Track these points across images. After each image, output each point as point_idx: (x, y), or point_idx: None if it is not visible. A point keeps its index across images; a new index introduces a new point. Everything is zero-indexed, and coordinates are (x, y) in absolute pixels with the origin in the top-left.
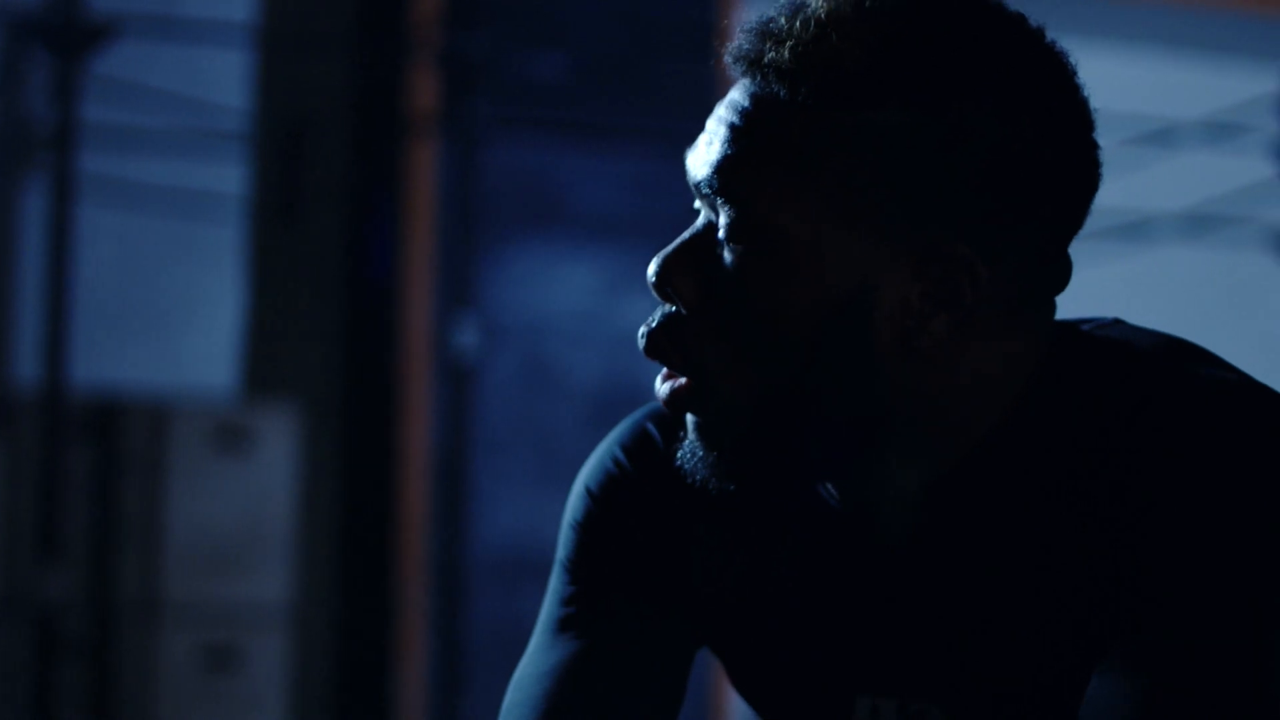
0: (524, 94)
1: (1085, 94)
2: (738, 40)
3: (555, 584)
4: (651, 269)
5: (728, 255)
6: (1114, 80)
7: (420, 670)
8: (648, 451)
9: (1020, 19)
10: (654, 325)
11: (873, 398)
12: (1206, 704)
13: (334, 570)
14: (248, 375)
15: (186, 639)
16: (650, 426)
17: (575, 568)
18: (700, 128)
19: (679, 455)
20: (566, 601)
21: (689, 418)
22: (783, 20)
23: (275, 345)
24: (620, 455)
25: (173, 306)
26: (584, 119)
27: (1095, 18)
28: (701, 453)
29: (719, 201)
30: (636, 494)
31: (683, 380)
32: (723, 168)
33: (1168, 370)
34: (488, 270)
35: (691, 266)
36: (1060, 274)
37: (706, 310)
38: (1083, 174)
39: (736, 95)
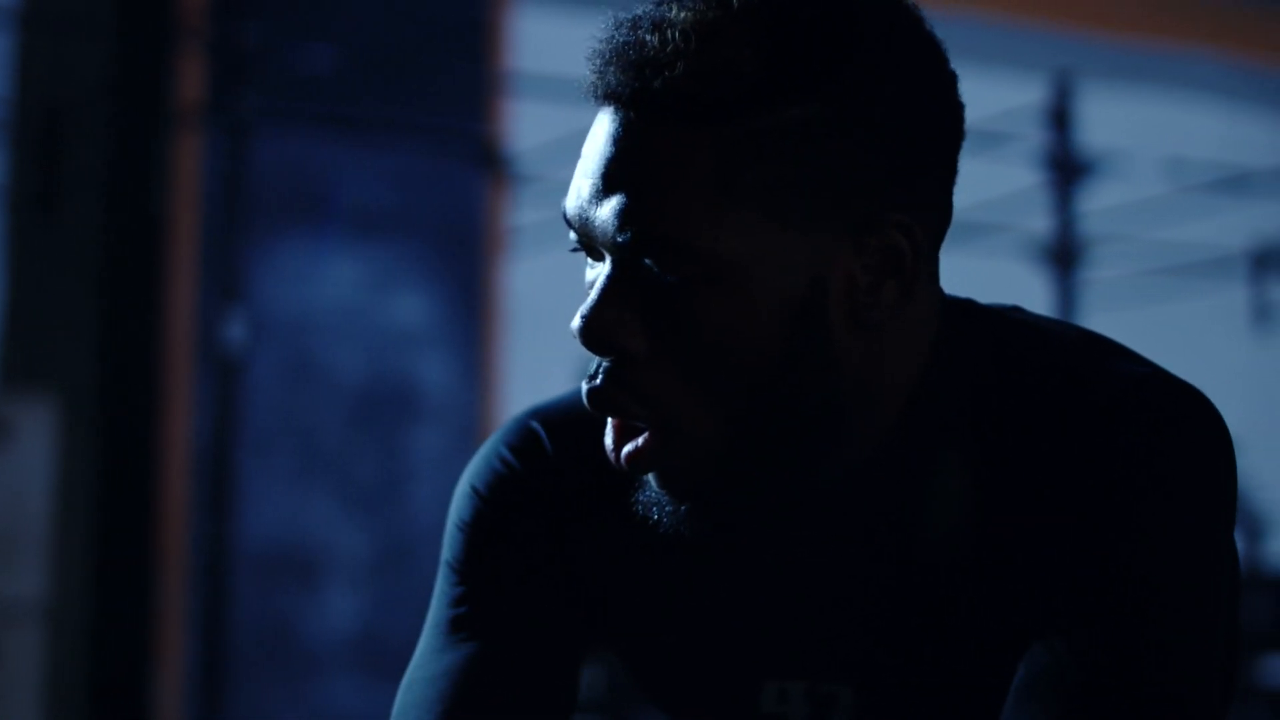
0: (292, 87)
1: (941, 44)
2: (603, 75)
3: (442, 586)
4: (578, 328)
5: (670, 296)
6: None
7: (180, 668)
8: (534, 451)
9: None
10: (600, 381)
11: (831, 387)
12: (1147, 671)
13: (92, 566)
14: (4, 367)
15: None
16: (536, 425)
17: (463, 569)
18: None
19: (640, 507)
20: (455, 603)
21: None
22: (651, 39)
23: (33, 336)
24: (507, 454)
25: None
26: (352, 113)
27: None
28: (670, 505)
29: (642, 250)
30: (524, 493)
31: (642, 439)
32: (637, 215)
33: (1088, 363)
34: (254, 264)
35: (626, 316)
36: (946, 224)
37: (659, 355)
38: (958, 122)
39: (616, 130)
